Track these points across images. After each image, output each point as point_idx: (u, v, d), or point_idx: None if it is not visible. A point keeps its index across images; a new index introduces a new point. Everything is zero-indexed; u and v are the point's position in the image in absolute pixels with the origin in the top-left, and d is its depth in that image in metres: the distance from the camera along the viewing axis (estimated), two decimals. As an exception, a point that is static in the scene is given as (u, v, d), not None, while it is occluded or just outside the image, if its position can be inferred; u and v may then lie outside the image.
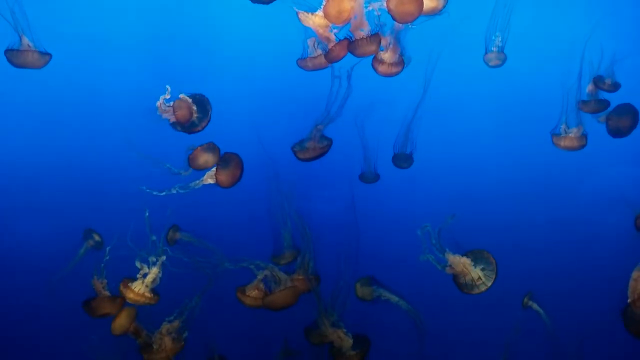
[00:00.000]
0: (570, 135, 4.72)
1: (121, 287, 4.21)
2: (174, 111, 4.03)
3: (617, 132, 4.64)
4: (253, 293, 4.48)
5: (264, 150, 4.83)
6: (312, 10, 4.09)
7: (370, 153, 5.32)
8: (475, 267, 4.24)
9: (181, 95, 4.09)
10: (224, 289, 4.57)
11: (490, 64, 5.09)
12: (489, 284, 4.21)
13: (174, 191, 4.11)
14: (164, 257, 4.28)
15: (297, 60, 4.36)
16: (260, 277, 4.50)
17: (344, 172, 5.38)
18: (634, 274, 4.13)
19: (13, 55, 4.24)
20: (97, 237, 4.71)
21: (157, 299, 4.28)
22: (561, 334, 5.14)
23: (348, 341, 4.59)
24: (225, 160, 4.13)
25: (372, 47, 4.04)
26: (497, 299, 4.39)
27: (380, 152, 5.30)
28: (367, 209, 5.27)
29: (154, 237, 4.28)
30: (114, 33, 5.14)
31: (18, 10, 4.23)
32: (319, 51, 4.30)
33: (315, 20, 4.13)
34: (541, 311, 4.78)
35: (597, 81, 4.71)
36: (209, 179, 4.18)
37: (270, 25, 5.08)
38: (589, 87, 4.71)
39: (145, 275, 4.24)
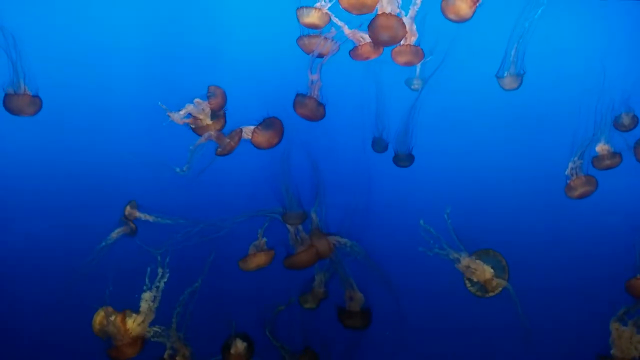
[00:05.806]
0: (579, 177, 4.61)
1: (118, 320, 4.14)
2: (209, 99, 4.00)
3: None
4: (257, 254, 4.57)
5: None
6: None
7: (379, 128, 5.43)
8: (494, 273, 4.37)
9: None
10: (225, 260, 4.64)
11: (505, 87, 5.01)
12: (504, 284, 4.35)
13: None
14: (164, 281, 4.34)
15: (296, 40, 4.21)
16: (260, 232, 4.58)
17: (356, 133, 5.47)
18: (613, 325, 4.19)
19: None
20: (132, 225, 4.65)
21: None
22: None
23: (361, 301, 4.84)
24: (268, 123, 4.15)
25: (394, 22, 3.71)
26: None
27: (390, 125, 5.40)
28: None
29: (158, 258, 4.37)
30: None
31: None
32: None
33: (313, 18, 4.01)
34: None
35: (616, 122, 4.71)
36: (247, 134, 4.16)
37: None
38: (600, 147, 4.63)
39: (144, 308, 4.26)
